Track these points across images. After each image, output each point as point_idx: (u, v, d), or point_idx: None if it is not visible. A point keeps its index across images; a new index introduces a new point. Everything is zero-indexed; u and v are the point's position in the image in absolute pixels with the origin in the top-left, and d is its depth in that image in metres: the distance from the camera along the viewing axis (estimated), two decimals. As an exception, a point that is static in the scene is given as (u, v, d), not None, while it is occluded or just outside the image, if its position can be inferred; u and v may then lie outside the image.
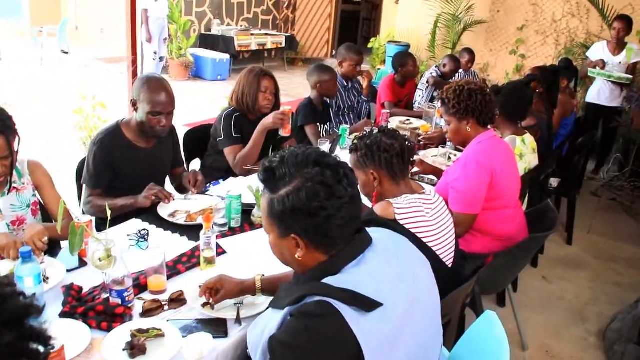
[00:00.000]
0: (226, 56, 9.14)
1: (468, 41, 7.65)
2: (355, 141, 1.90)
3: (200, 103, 7.37)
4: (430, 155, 3.22)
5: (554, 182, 3.92)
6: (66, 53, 9.54)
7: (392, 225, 1.58)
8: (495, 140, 2.38)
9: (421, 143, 3.48)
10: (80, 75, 7.93)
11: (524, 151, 2.93)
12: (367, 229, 1.27)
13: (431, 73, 5.08)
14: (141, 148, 2.40)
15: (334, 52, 10.65)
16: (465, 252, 2.31)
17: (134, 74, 3.81)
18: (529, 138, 2.98)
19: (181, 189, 2.64)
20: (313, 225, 1.13)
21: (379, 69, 8.66)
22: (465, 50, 5.86)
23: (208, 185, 2.93)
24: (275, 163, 1.17)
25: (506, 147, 2.46)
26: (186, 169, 2.83)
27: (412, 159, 1.87)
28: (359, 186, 1.88)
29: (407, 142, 1.85)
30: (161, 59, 8.07)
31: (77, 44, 9.89)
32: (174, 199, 2.22)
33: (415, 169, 2.74)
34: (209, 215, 1.87)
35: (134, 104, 2.31)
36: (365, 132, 1.88)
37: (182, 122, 6.04)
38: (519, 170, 2.82)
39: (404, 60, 4.55)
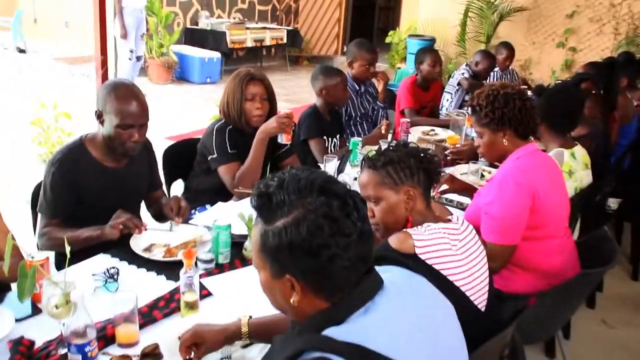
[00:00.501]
0: (216, 55, 9.28)
1: (506, 33, 7.70)
2: (379, 154, 1.87)
3: (186, 111, 7.46)
4: (459, 173, 3.22)
5: (613, 203, 3.89)
6: (23, 51, 9.67)
7: (410, 261, 1.57)
8: (537, 154, 2.37)
9: (448, 158, 3.48)
10: (39, 78, 8.02)
11: (575, 167, 2.92)
12: (377, 267, 1.26)
13: (462, 73, 5.10)
14: (110, 168, 2.42)
15: (345, 49, 10.74)
16: (503, 292, 2.29)
17: (104, 77, 3.86)
18: (580, 151, 2.97)
19: (160, 217, 2.65)
20: (313, 266, 1.13)
21: (399, 68, 8.73)
22: (503, 44, 5.90)
23: (193, 211, 2.95)
24: (272, 187, 1.17)
25: (551, 163, 2.45)
26: (165, 192, 2.85)
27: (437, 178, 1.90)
28: (380, 213, 1.88)
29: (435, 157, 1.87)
30: (138, 58, 8.17)
31: (36, 40, 10.02)
32: (146, 229, 2.22)
33: (444, 187, 2.73)
34: (191, 250, 1.87)
35: (99, 115, 2.34)
36: (390, 146, 1.89)
37: (164, 135, 6.11)
38: (567, 191, 2.81)
39: (422, 57, 4.58)
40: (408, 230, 1.76)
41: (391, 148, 1.87)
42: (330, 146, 3.67)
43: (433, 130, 4.21)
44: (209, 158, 2.93)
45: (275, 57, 11.49)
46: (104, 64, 3.83)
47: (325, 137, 3.59)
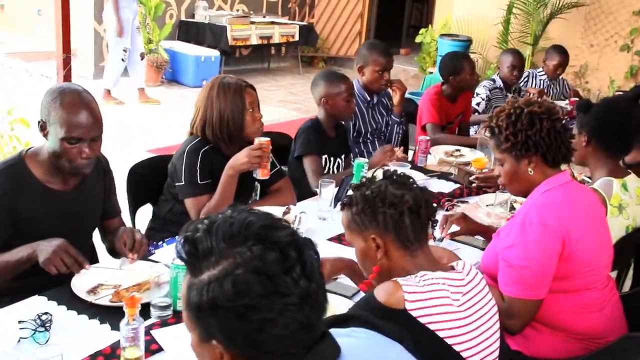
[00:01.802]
0: (215, 53, 9.32)
1: (558, 33, 7.64)
2: (356, 187, 1.88)
3: (176, 119, 7.45)
4: (485, 205, 3.15)
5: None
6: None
7: (393, 320, 1.52)
8: (571, 187, 2.31)
9: (473, 185, 3.41)
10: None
11: (627, 201, 2.86)
12: (338, 332, 1.23)
13: (483, 86, 5.04)
14: (55, 191, 2.40)
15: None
16: (524, 355, 2.23)
17: (67, 79, 3.87)
18: (634, 182, 2.92)
19: (115, 251, 2.63)
20: (241, 332, 1.09)
21: (430, 72, 8.70)
22: (555, 48, 5.85)
23: (161, 243, 2.93)
24: (199, 232, 1.15)
25: (589, 198, 2.39)
26: (124, 221, 2.82)
27: (432, 218, 1.84)
28: (357, 259, 1.87)
29: (424, 193, 1.82)
30: (142, 56, 8.16)
31: (1, 31, 10.09)
32: (87, 268, 2.20)
33: (454, 228, 2.67)
34: (134, 297, 1.83)
35: (42, 127, 2.33)
36: (366, 178, 1.87)
37: (146, 147, 6.13)
38: (616, 231, 2.74)
39: (459, 65, 4.51)
40: (398, 280, 1.71)
41: (364, 184, 1.86)
42: (333, 168, 3.63)
43: (458, 150, 4.15)
44: (176, 184, 2.92)
45: (286, 58, 11.52)
46: (66, 63, 3.85)
47: (325, 156, 3.56)
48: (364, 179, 1.92)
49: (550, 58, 5.79)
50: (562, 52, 5.76)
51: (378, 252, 1.80)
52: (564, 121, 2.31)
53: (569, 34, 7.74)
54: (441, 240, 2.61)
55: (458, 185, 3.50)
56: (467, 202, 3.29)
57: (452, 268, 1.81)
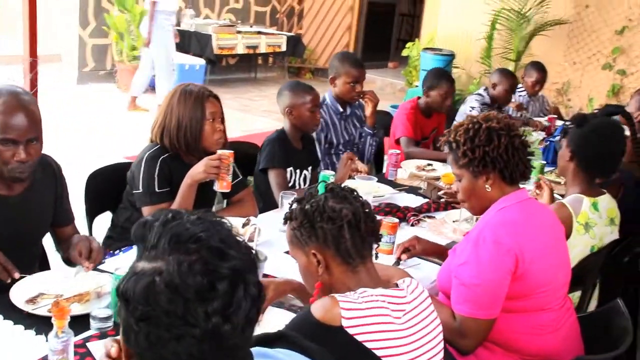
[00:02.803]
0: (200, 61, 9.28)
1: (541, 50, 7.64)
2: (296, 200, 1.85)
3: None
4: (452, 221, 3.10)
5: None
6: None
7: (330, 337, 1.46)
8: (528, 204, 2.27)
9: (441, 200, 3.36)
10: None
11: (594, 221, 2.82)
12: (263, 351, 1.19)
13: (475, 99, 4.99)
14: (0, 196, 2.33)
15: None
16: (477, 377, 2.17)
17: (33, 83, 3.83)
18: (606, 203, 2.88)
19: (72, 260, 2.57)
20: (136, 335, 1.06)
21: (416, 86, 8.67)
22: (533, 65, 5.84)
23: (117, 251, 2.87)
24: (156, 222, 1.13)
25: (547, 216, 2.34)
26: (77, 228, 2.75)
27: (375, 231, 1.79)
28: (300, 274, 1.82)
29: (364, 207, 1.77)
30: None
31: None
32: (20, 277, 2.15)
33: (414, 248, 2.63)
34: (63, 308, 1.76)
35: None
36: (308, 193, 1.82)
37: (124, 154, 6.06)
38: (578, 250, 2.70)
39: (434, 82, 4.47)
40: (336, 296, 1.66)
41: (303, 199, 1.82)
42: (300, 180, 3.56)
43: (430, 165, 4.10)
44: (134, 192, 2.87)
45: (273, 68, 11.51)
46: (33, 67, 3.81)
47: (291, 169, 3.50)
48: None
49: (529, 75, 5.79)
50: (540, 69, 5.75)
51: (319, 267, 1.75)
52: (523, 137, 2.27)
53: (552, 51, 7.74)
54: (397, 263, 2.58)
55: (426, 200, 3.44)
56: (434, 217, 3.23)
57: (396, 285, 1.76)
